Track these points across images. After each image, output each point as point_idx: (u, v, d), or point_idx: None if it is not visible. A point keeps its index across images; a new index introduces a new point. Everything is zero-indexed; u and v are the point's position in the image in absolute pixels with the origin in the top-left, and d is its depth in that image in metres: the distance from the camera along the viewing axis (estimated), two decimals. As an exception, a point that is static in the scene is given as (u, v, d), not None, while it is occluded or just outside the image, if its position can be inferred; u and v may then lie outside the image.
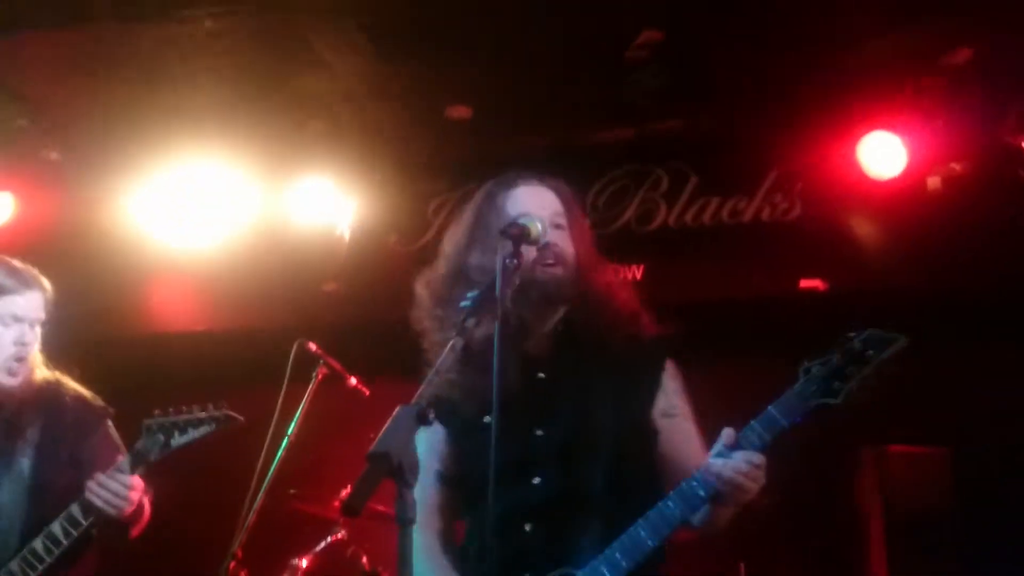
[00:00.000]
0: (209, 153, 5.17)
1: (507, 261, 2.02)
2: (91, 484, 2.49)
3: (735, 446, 2.04)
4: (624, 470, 2.20)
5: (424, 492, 2.19)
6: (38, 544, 2.49)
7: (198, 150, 5.14)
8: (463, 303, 1.96)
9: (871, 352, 2.12)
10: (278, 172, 5.32)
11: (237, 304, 5.47)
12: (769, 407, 2.07)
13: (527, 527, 2.17)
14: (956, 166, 4.72)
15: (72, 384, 2.80)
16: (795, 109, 4.76)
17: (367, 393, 4.28)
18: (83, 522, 2.51)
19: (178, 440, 2.55)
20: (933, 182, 4.75)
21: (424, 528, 2.24)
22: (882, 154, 4.72)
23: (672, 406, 2.32)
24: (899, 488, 4.42)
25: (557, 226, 2.31)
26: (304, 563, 4.05)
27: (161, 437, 2.53)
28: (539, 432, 2.22)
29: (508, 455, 2.12)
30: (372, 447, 1.54)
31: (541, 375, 2.28)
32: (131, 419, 2.85)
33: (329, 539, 4.18)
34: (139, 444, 2.54)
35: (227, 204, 5.31)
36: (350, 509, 1.50)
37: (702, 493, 2.05)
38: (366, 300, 5.34)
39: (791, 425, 2.05)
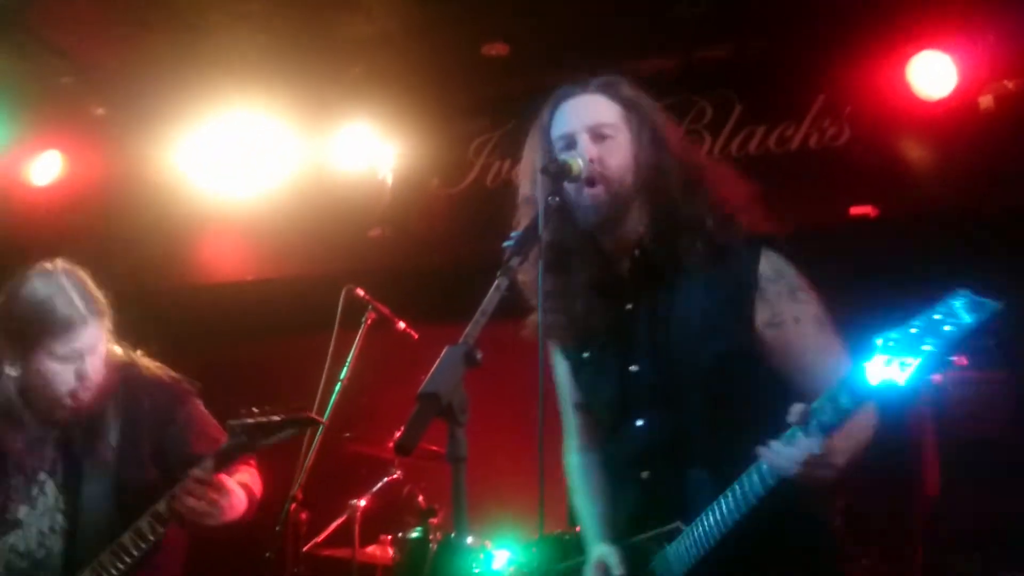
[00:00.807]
0: (251, 102, 5.19)
1: (549, 199, 2.00)
2: (178, 493, 2.49)
3: (806, 423, 1.79)
4: (728, 404, 2.02)
5: (567, 418, 2.34)
6: (126, 539, 2.52)
7: (240, 100, 5.17)
8: (506, 243, 1.94)
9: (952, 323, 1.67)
10: (319, 119, 5.33)
11: (284, 252, 5.54)
12: (834, 386, 1.76)
13: (644, 475, 2.11)
14: (1008, 83, 4.56)
15: (148, 365, 2.77)
16: (842, 31, 4.61)
17: (416, 337, 4.32)
18: (168, 520, 2.52)
19: (262, 442, 2.53)
20: (985, 101, 4.60)
21: (573, 451, 2.34)
22: (932, 74, 4.57)
23: (777, 314, 2.03)
24: (954, 413, 4.38)
25: (601, 136, 2.12)
26: (362, 503, 4.15)
27: (245, 438, 2.52)
28: (633, 368, 2.12)
29: (608, 394, 2.16)
30: (421, 387, 1.55)
31: (628, 306, 2.15)
32: (187, 373, 2.89)
33: (385, 480, 4.27)
34: (223, 446, 2.53)
35: (270, 153, 5.35)
36: (402, 449, 1.51)
37: (769, 481, 1.84)
38: (411, 245, 5.36)
39: (857, 408, 1.74)
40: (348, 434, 4.26)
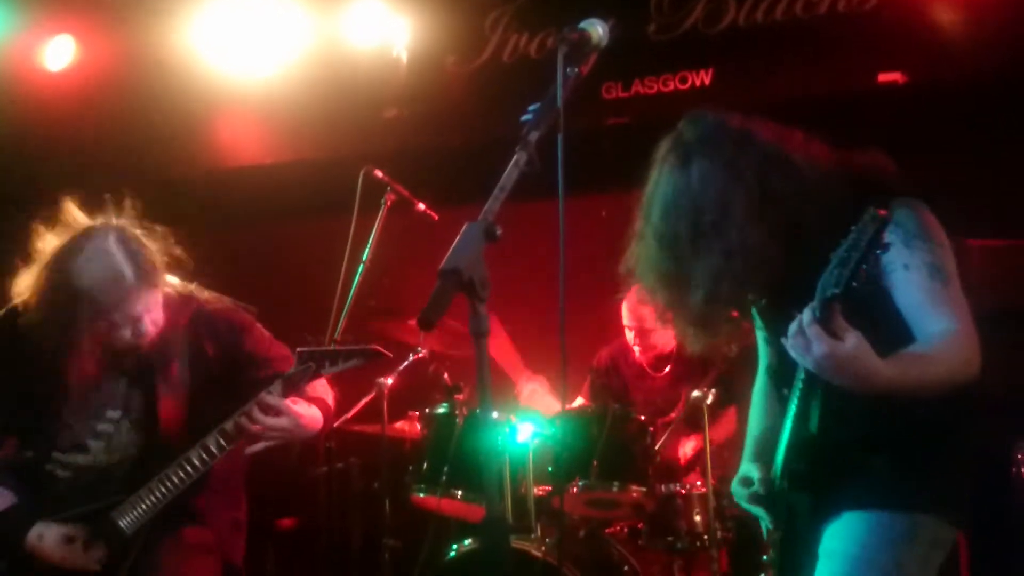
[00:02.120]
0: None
1: (568, 71, 1.95)
2: (246, 415, 2.61)
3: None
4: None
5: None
6: (193, 453, 2.64)
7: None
8: (523, 118, 1.90)
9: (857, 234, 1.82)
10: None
11: (301, 135, 5.48)
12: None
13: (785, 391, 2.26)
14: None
15: (207, 298, 2.83)
16: None
17: (435, 217, 4.31)
18: (234, 438, 2.64)
19: (327, 370, 2.64)
20: (1022, -40, 4.40)
21: (760, 373, 2.53)
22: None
23: (889, 261, 2.02)
24: (978, 282, 4.34)
25: None
26: (389, 381, 4.23)
27: (312, 365, 2.62)
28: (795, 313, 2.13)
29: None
30: (443, 263, 1.56)
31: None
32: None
33: (412, 358, 4.34)
34: (291, 371, 2.62)
35: (283, 31, 5.24)
36: (425, 323, 1.53)
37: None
38: (428, 124, 5.29)
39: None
40: (374, 313, 4.31)
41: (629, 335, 4.67)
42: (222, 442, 2.63)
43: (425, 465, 3.91)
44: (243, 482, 2.90)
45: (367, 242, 4.04)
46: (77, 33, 5.41)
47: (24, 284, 2.72)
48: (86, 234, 2.65)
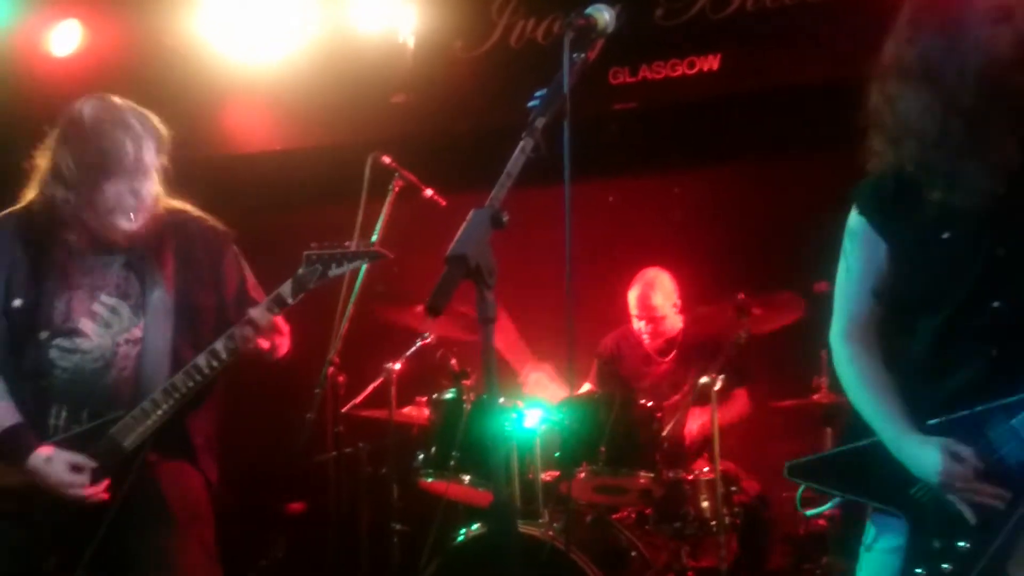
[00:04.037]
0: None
1: (574, 56, 1.94)
2: (246, 319, 2.63)
3: None
4: None
5: (856, 306, 2.19)
6: (201, 360, 2.64)
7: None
8: (530, 104, 1.90)
9: None
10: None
11: (309, 121, 5.49)
12: None
13: (993, 352, 2.05)
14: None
15: (196, 211, 2.87)
16: None
17: (443, 203, 4.32)
18: (239, 345, 2.65)
19: (334, 271, 2.67)
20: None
21: (858, 342, 2.19)
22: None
23: None
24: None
25: None
26: (397, 367, 4.25)
27: (320, 267, 2.65)
28: (1001, 252, 2.05)
29: (966, 275, 2.05)
30: (449, 250, 1.56)
31: (1002, 191, 2.04)
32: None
33: (419, 343, 4.36)
34: (300, 272, 2.66)
35: (290, 16, 5.24)
36: (432, 309, 1.53)
37: None
38: (435, 110, 5.28)
39: None
40: (380, 302, 4.32)
41: (638, 324, 4.68)
42: (231, 345, 2.64)
43: (433, 450, 3.93)
44: (218, 399, 2.87)
45: (375, 228, 4.05)
46: (84, 18, 5.41)
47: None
48: (86, 97, 2.72)
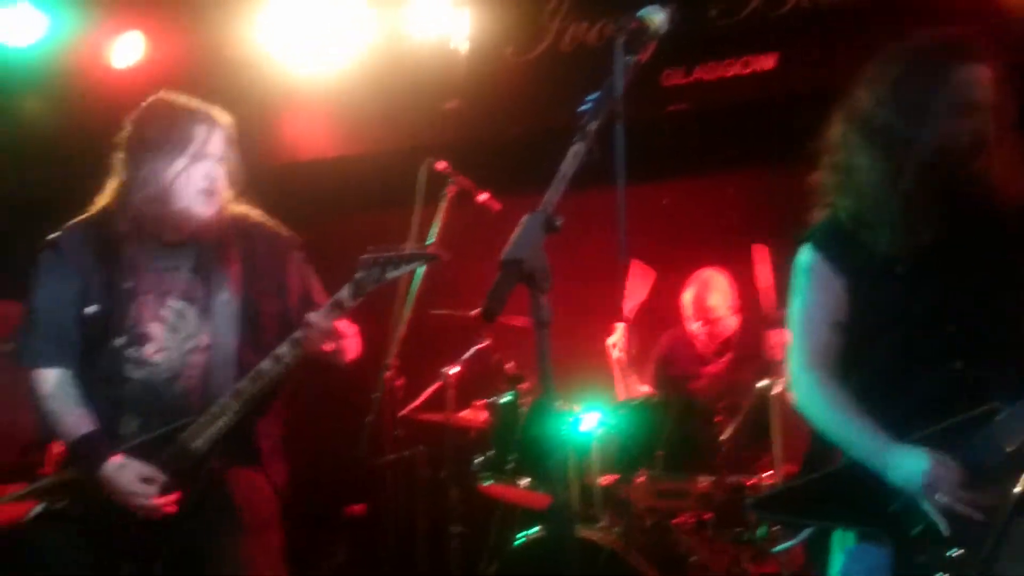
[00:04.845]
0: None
1: (626, 59, 1.94)
2: (307, 323, 2.65)
3: None
4: None
5: (817, 337, 2.28)
6: (266, 364, 2.66)
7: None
8: (582, 107, 1.90)
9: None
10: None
11: (365, 128, 5.54)
12: None
13: (957, 364, 2.15)
14: None
15: (260, 216, 2.91)
16: None
17: (497, 207, 4.33)
18: (302, 344, 2.66)
19: (391, 273, 2.67)
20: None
21: (822, 368, 2.26)
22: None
23: None
24: None
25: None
26: (454, 371, 4.27)
27: (377, 270, 2.66)
28: (952, 280, 2.18)
29: (920, 303, 2.17)
30: (503, 254, 1.57)
31: (944, 235, 2.17)
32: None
33: (474, 348, 4.38)
34: (357, 276, 2.67)
35: (346, 26, 5.31)
36: (488, 314, 1.54)
37: None
38: (488, 115, 5.31)
39: None
40: (437, 311, 4.35)
41: (694, 326, 4.64)
42: (294, 350, 2.66)
43: (491, 454, 3.94)
44: (282, 404, 2.89)
45: (429, 233, 4.08)
46: (146, 30, 5.54)
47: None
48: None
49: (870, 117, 2.24)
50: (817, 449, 2.27)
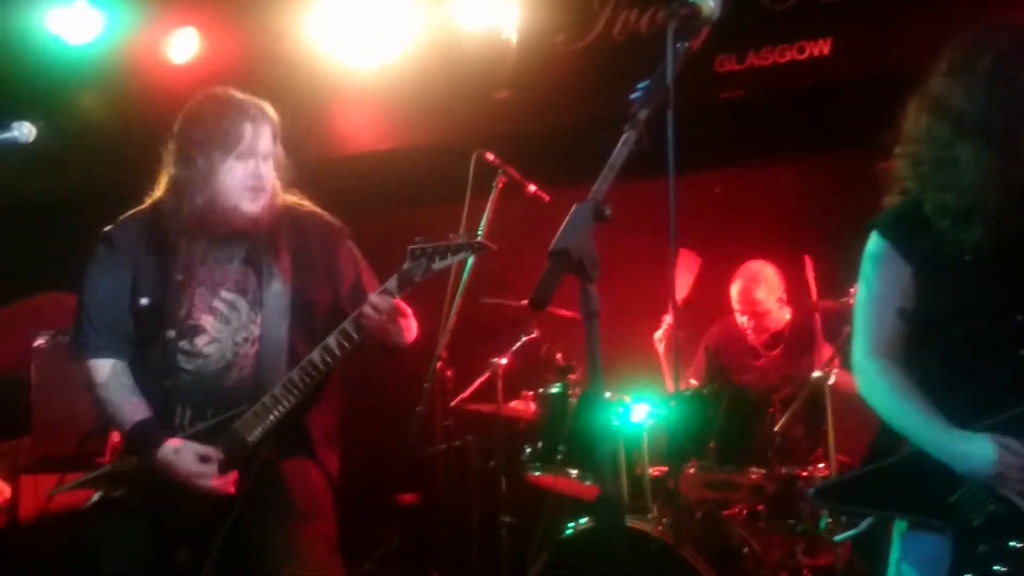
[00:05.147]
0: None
1: (678, 46, 1.91)
2: (365, 307, 2.65)
3: None
4: None
5: (883, 325, 2.25)
6: (316, 356, 2.68)
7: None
8: (632, 95, 1.88)
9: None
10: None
11: (415, 121, 5.57)
12: None
13: (1022, 352, 2.11)
14: None
15: (311, 206, 2.92)
16: None
17: (547, 199, 4.32)
18: (356, 337, 2.67)
19: (438, 264, 2.67)
20: None
21: (886, 356, 2.23)
22: None
23: None
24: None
25: None
26: (503, 361, 4.28)
27: (424, 261, 2.66)
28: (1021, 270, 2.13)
29: (989, 293, 2.14)
30: (552, 244, 1.56)
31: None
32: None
33: (524, 339, 4.39)
34: (405, 267, 2.68)
35: (397, 18, 5.33)
36: (537, 303, 1.53)
37: None
38: (538, 105, 5.29)
39: None
40: (486, 299, 4.36)
41: (741, 319, 4.59)
42: (344, 342, 2.67)
43: (540, 444, 3.94)
44: (334, 393, 2.91)
45: (479, 225, 4.09)
46: (200, 26, 5.63)
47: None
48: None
49: (963, 111, 2.15)
50: (883, 438, 2.24)
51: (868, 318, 2.29)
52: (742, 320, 4.58)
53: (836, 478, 2.26)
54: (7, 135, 2.67)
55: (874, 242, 2.29)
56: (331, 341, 2.68)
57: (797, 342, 4.45)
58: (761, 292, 4.53)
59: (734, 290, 4.61)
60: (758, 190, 5.26)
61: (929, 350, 2.23)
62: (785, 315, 4.56)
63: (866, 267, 2.31)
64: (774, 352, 4.55)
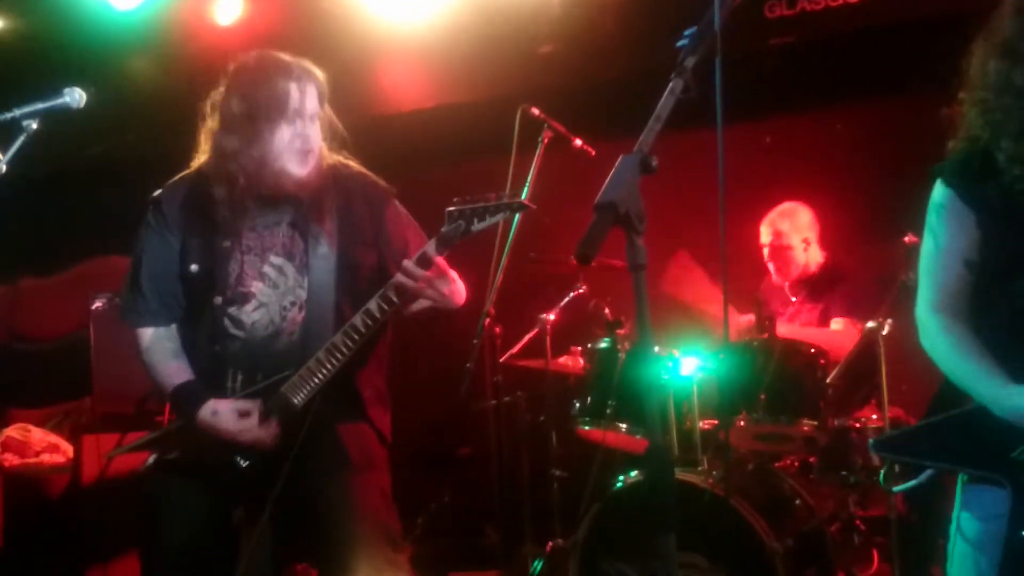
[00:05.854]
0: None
1: (725, -7, 1.87)
2: (398, 275, 2.64)
3: None
4: None
5: (947, 276, 2.20)
6: (357, 320, 2.68)
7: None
8: (680, 42, 1.85)
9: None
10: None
11: (459, 77, 5.54)
12: None
13: None
14: None
15: (357, 166, 2.91)
16: None
17: (592, 153, 4.28)
18: (396, 300, 2.66)
19: (477, 225, 2.63)
20: None
21: (949, 311, 2.20)
22: None
23: None
24: None
25: None
26: (551, 317, 4.29)
27: (462, 223, 2.63)
28: None
29: None
30: (598, 197, 1.55)
31: None
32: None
33: (571, 294, 4.38)
34: (444, 229, 2.65)
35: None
36: (583, 257, 1.53)
37: None
38: (583, 59, 5.23)
39: None
40: (532, 255, 4.35)
41: (765, 253, 4.54)
42: (384, 305, 2.67)
43: (589, 399, 3.95)
44: (386, 351, 2.92)
45: (526, 180, 4.07)
46: (246, -14, 5.63)
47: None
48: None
49: None
50: (946, 391, 2.20)
51: (933, 271, 2.23)
52: (765, 254, 4.53)
53: (897, 430, 2.22)
54: (59, 101, 2.69)
55: (939, 191, 2.22)
56: (372, 305, 2.67)
57: (827, 288, 4.39)
58: (784, 225, 4.46)
59: (764, 224, 4.56)
60: (810, 139, 5.15)
61: (995, 305, 2.17)
62: (813, 260, 4.49)
63: (931, 217, 2.24)
64: (800, 297, 4.50)
